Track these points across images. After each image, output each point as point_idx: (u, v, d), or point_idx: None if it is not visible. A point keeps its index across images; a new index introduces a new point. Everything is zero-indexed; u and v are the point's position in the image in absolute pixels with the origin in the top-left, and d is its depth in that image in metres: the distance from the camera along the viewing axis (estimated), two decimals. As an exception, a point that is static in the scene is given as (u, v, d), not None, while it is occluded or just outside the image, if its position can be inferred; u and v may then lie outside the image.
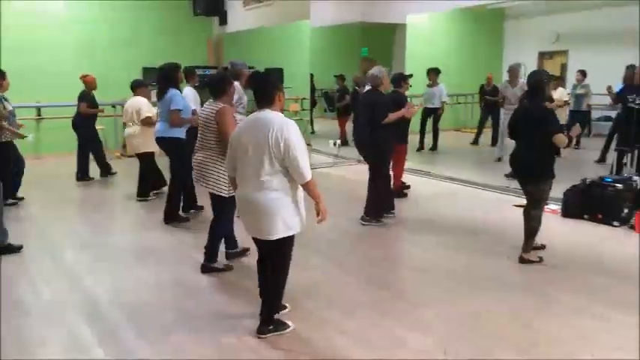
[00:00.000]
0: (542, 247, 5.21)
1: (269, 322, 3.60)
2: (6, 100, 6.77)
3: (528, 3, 10.82)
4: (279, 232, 3.38)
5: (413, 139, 8.66)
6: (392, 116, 5.96)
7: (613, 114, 9.12)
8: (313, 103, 12.41)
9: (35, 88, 10.24)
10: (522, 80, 8.51)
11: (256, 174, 3.32)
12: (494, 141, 10.61)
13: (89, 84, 8.48)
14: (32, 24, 10.64)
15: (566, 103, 9.63)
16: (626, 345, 3.49)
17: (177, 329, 3.73)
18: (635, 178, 6.26)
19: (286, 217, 3.36)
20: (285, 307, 3.87)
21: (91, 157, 8.75)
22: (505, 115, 9.28)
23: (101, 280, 4.62)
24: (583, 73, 9.92)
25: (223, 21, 12.74)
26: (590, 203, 6.25)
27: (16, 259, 5.08)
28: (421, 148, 10.89)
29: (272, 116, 3.32)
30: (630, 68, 7.62)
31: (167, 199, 6.29)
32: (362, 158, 6.66)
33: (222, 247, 4.90)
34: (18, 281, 4.58)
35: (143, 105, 7.36)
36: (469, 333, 3.65)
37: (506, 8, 11.80)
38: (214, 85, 4.61)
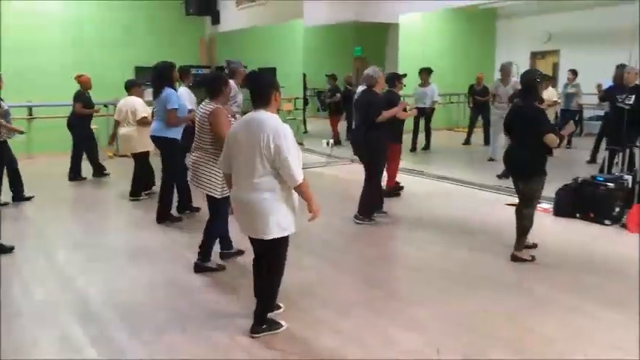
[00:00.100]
0: (535, 245, 5.24)
1: (262, 321, 3.60)
2: (1, 99, 6.74)
3: (520, 3, 10.87)
4: (272, 233, 3.38)
5: (406, 138, 8.68)
6: (385, 114, 5.98)
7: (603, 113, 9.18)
8: (305, 103, 12.43)
9: (26, 87, 10.18)
10: (515, 79, 8.55)
11: (250, 175, 3.33)
12: (487, 141, 10.66)
13: (84, 84, 8.48)
14: (25, 24, 10.57)
15: (555, 103, 9.68)
16: (619, 343, 3.51)
17: (170, 329, 3.72)
18: (627, 177, 6.30)
19: (280, 217, 3.36)
20: (279, 307, 3.86)
21: (84, 156, 8.72)
22: (496, 114, 9.33)
23: (94, 280, 4.60)
24: (574, 73, 9.98)
25: (216, 20, 12.72)
26: (582, 202, 6.29)
27: (9, 260, 5.04)
28: (414, 147, 10.91)
29: (266, 117, 3.32)
30: (620, 67, 7.66)
31: (159, 199, 6.27)
32: (355, 158, 6.67)
33: (216, 248, 4.89)
34: (10, 282, 4.55)
35: (138, 105, 7.36)
36: (462, 332, 3.66)
37: (498, 8, 11.85)
38: (210, 85, 4.61)
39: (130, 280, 4.64)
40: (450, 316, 3.92)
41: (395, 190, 7.40)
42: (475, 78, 11.17)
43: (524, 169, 4.93)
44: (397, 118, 6.31)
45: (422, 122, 10.85)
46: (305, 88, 12.02)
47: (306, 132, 12.55)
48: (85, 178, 8.66)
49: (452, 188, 8.09)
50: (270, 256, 3.54)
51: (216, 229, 4.76)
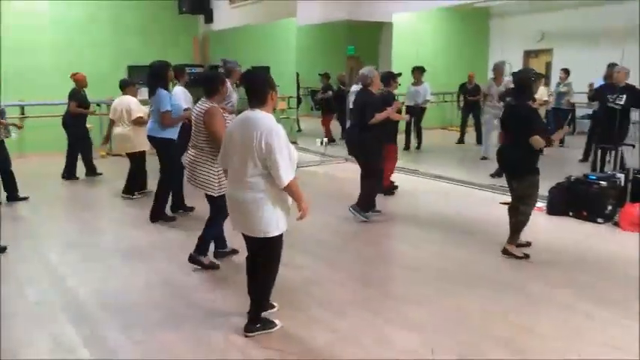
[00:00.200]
0: (528, 244, 5.26)
1: (256, 320, 3.60)
2: None
3: (512, 2, 10.90)
4: (264, 231, 3.38)
5: (400, 138, 8.69)
6: (378, 116, 5.99)
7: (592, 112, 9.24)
8: (299, 102, 12.42)
9: (19, 87, 10.12)
10: (507, 78, 8.58)
11: (243, 173, 3.33)
12: (479, 140, 10.71)
13: (80, 82, 8.46)
14: (18, 24, 10.49)
15: (546, 102, 9.71)
16: (612, 342, 3.53)
17: (164, 328, 3.71)
18: (619, 175, 6.34)
19: (271, 216, 3.36)
20: (273, 306, 3.86)
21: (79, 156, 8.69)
22: (487, 113, 9.37)
23: (88, 280, 4.59)
24: (566, 72, 10.01)
25: (209, 19, 12.68)
26: (574, 201, 6.32)
27: (2, 260, 5.00)
28: (407, 146, 10.92)
29: (261, 117, 3.31)
30: (611, 66, 7.70)
31: (154, 198, 6.27)
32: (350, 157, 6.69)
33: (211, 247, 4.89)
34: (4, 282, 4.51)
35: (133, 105, 7.36)
36: (458, 331, 3.67)
37: (491, 7, 11.86)
38: (207, 84, 4.61)
39: (123, 280, 4.62)
40: (445, 314, 3.93)
41: (390, 189, 7.41)
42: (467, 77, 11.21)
43: (515, 168, 4.97)
44: (390, 119, 6.33)
45: (414, 121, 10.86)
46: (298, 87, 12.03)
47: (299, 131, 12.55)
48: (77, 178, 8.63)
49: (446, 187, 8.11)
50: (264, 255, 3.54)
51: (215, 226, 4.78)
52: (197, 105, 4.62)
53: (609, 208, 6.12)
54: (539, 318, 3.87)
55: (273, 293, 3.71)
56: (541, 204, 6.56)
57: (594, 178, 6.33)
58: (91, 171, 8.77)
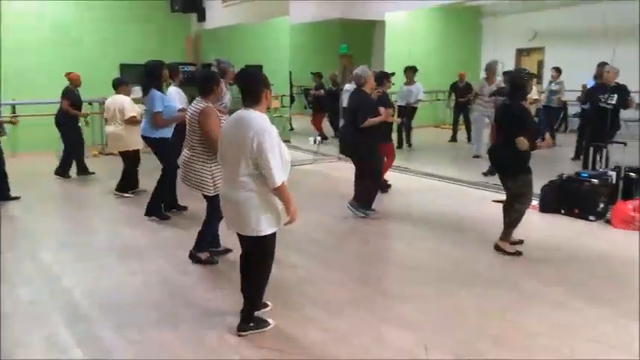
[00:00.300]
0: (521, 242, 5.28)
1: (250, 319, 3.60)
2: None
3: (505, 2, 10.94)
4: (256, 230, 3.38)
5: (393, 137, 8.69)
6: (371, 120, 6.01)
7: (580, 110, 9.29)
8: (291, 100, 12.42)
9: (11, 86, 10.06)
10: (499, 78, 8.61)
11: (235, 173, 3.33)
12: (470, 138, 10.80)
13: (73, 81, 8.48)
14: (10, 24, 10.42)
15: (536, 100, 9.75)
16: (604, 338, 3.56)
17: (158, 328, 3.70)
18: (611, 173, 6.38)
19: (263, 215, 3.36)
20: (266, 305, 3.86)
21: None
22: (477, 111, 9.40)
23: (81, 279, 4.57)
24: (558, 71, 10.05)
25: (202, 17, 12.64)
26: (566, 198, 6.35)
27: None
28: (400, 145, 10.93)
29: (254, 116, 3.30)
30: (601, 66, 7.75)
31: (152, 194, 6.29)
32: (342, 155, 6.71)
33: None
34: (-5, 282, 4.51)
35: (126, 104, 7.35)
36: (452, 329, 3.68)
37: (484, 6, 11.89)
38: (203, 84, 4.61)
39: (117, 279, 4.61)
40: (439, 313, 3.94)
41: (383, 187, 7.41)
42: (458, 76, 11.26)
43: (507, 167, 5.03)
44: (384, 121, 6.36)
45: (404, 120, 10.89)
46: (291, 85, 12.02)
47: (292, 129, 12.54)
48: (70, 177, 8.60)
49: (439, 185, 8.13)
50: (257, 253, 3.54)
51: (213, 224, 4.81)
52: (192, 105, 4.63)
53: (601, 205, 6.15)
54: (531, 315, 3.88)
55: (266, 292, 3.71)
56: (534, 202, 6.59)
57: (586, 175, 6.37)
58: (83, 170, 8.74)
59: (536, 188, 6.32)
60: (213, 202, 4.59)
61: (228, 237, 4.59)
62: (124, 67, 11.02)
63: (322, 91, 11.79)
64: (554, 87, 10.04)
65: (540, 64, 11.60)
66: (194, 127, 4.52)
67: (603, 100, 7.28)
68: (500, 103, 5.46)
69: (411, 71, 10.35)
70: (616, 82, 7.32)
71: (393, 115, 6.71)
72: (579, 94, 8.96)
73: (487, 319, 3.84)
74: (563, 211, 6.37)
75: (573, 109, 10.43)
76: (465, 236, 5.68)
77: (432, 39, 12.69)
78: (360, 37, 10.80)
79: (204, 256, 4.84)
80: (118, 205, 7.05)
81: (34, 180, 8.41)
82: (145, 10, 12.00)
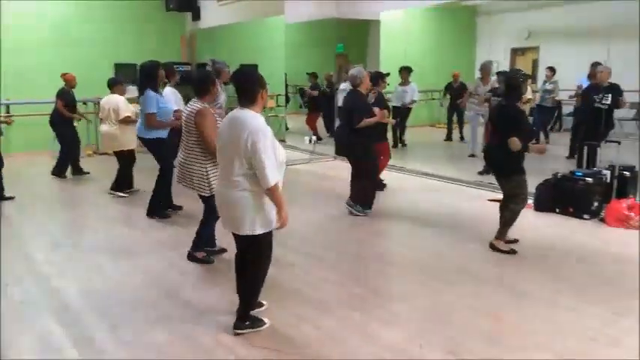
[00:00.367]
0: (516, 240, 5.30)
1: (245, 318, 3.60)
2: None
3: (499, 1, 10.96)
4: (250, 229, 3.37)
5: (388, 137, 8.70)
6: (367, 121, 6.03)
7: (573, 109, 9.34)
8: (287, 100, 12.42)
9: (6, 86, 10.04)
10: (494, 78, 8.63)
11: (230, 172, 3.33)
12: (462, 137, 10.91)
13: (69, 82, 8.50)
14: (5, 23, 10.40)
15: (529, 100, 9.77)
16: (597, 336, 3.57)
17: (153, 328, 3.70)
18: (605, 172, 6.40)
19: (257, 214, 3.35)
20: (261, 305, 3.86)
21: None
22: (471, 110, 9.42)
23: (76, 279, 4.56)
24: (552, 70, 10.08)
25: (197, 17, 12.63)
26: (561, 197, 6.38)
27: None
28: (395, 145, 10.95)
29: (249, 116, 3.30)
30: (594, 65, 7.78)
31: (153, 194, 6.29)
32: (338, 155, 6.73)
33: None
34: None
35: (121, 104, 7.36)
36: (445, 327, 3.69)
37: (478, 5, 11.93)
38: (199, 84, 4.61)
39: (111, 279, 4.60)
40: (433, 311, 3.95)
41: (379, 186, 7.42)
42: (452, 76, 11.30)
43: (501, 167, 5.06)
44: (379, 122, 6.38)
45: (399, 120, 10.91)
46: (286, 85, 12.01)
47: (287, 129, 12.54)
48: (66, 177, 8.60)
49: (435, 184, 8.15)
50: (252, 252, 3.53)
51: (210, 224, 4.83)
52: (188, 105, 4.63)
53: (595, 204, 6.18)
54: (525, 312, 3.90)
55: (262, 291, 3.71)
56: (528, 201, 6.62)
57: (580, 174, 6.39)
58: (78, 170, 8.73)
59: (531, 187, 6.35)
60: (209, 203, 4.59)
61: (223, 236, 4.58)
62: (118, 67, 11.00)
63: (316, 92, 11.80)
64: (548, 86, 10.07)
65: (535, 63, 11.63)
66: (190, 127, 4.52)
67: (598, 100, 7.31)
68: (496, 104, 5.48)
69: (406, 72, 10.36)
70: (609, 81, 7.35)
71: (388, 117, 6.72)
72: (573, 92, 8.99)
73: (481, 317, 3.85)
74: (557, 210, 6.39)
75: (567, 109, 10.48)
76: (460, 235, 5.69)
77: (426, 38, 12.70)
78: (355, 36, 10.82)
79: (200, 255, 4.87)
80: (114, 205, 7.04)
81: (29, 180, 8.39)
82: (139, 9, 11.99)
